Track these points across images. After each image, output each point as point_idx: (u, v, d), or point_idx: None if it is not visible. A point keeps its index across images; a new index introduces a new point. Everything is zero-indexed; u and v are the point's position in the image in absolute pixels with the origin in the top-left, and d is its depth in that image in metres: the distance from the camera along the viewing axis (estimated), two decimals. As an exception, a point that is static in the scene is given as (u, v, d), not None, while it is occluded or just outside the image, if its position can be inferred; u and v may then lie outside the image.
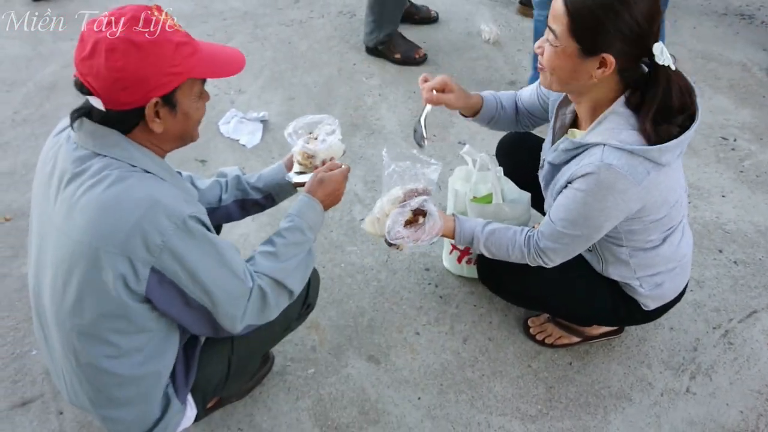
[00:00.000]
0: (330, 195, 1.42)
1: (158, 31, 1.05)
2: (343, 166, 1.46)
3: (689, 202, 2.16)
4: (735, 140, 2.44)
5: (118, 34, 1.02)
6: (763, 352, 1.77)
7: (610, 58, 1.18)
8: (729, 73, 2.76)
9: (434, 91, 1.56)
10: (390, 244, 1.48)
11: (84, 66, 1.03)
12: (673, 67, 1.21)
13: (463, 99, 1.58)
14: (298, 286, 1.29)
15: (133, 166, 1.10)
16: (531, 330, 1.81)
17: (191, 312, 1.14)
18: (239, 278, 1.16)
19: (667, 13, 3.12)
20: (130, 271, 1.05)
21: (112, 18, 1.05)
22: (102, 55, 1.01)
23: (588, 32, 1.17)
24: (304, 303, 1.48)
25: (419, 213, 1.46)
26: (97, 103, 1.06)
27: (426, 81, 1.59)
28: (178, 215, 1.06)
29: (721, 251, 2.04)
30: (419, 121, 1.61)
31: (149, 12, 1.07)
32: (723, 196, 2.22)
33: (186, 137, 1.20)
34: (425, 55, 2.89)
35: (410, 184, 1.50)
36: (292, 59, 2.96)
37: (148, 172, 1.11)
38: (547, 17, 1.27)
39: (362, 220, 2.18)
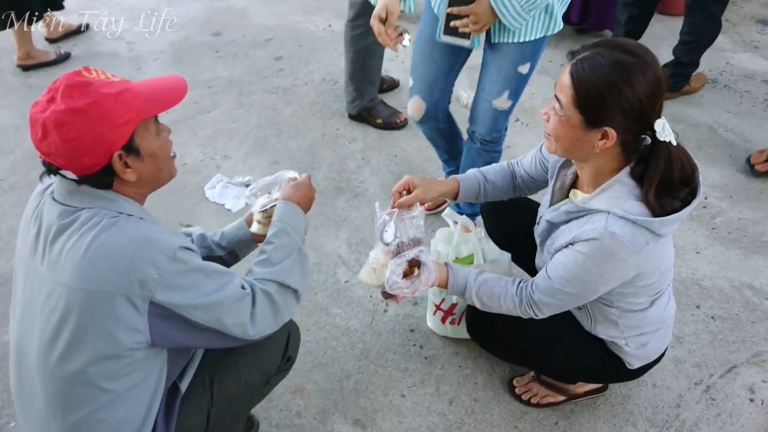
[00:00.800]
0: (304, 197, 1.49)
1: (94, 91, 1.09)
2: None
3: (665, 259, 2.22)
4: (706, 198, 2.53)
5: (60, 107, 1.06)
6: (744, 407, 1.79)
7: (612, 132, 1.23)
8: (697, 134, 2.88)
9: (402, 194, 1.58)
10: (388, 296, 1.50)
11: (43, 147, 1.09)
12: (674, 143, 1.26)
13: (433, 189, 1.60)
14: (300, 284, 1.34)
15: (119, 212, 1.16)
16: (516, 390, 1.82)
17: (201, 333, 1.18)
18: (236, 289, 1.20)
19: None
20: (130, 308, 1.09)
21: (51, 93, 1.10)
22: (53, 132, 1.06)
23: (591, 106, 1.23)
24: (284, 356, 1.49)
25: (414, 264, 1.49)
26: (69, 174, 1.12)
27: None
28: (169, 248, 1.12)
29: (698, 307, 2.08)
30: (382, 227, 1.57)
31: (80, 76, 1.11)
32: (697, 253, 2.29)
33: (162, 175, 1.25)
34: (406, 119, 2.99)
35: (402, 235, 1.54)
36: (277, 125, 3.04)
37: (132, 216, 1.17)
38: None
39: (347, 282, 2.21)
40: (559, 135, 1.31)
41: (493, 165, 1.72)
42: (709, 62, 3.36)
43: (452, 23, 1.74)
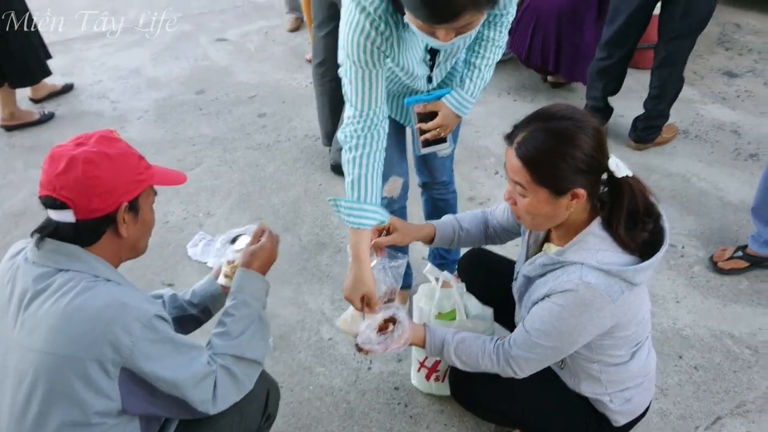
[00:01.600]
0: (264, 261, 1.50)
1: (124, 146, 1.24)
2: (270, 234, 1.55)
3: (646, 310, 2.24)
4: (683, 247, 2.57)
5: (93, 149, 1.18)
6: (731, 459, 1.78)
7: (580, 190, 1.28)
8: (671, 183, 2.95)
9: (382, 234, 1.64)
10: (360, 348, 1.51)
11: (59, 180, 1.15)
12: (630, 174, 1.32)
13: (411, 234, 1.67)
14: (259, 355, 1.37)
15: (96, 276, 1.19)
16: (502, 448, 1.80)
17: (167, 403, 1.19)
18: (202, 368, 1.22)
19: (610, 127, 3.38)
20: (101, 374, 1.10)
21: (81, 140, 1.22)
22: (79, 167, 1.15)
23: (552, 178, 1.28)
24: (264, 414, 1.48)
25: (390, 320, 1.50)
26: (66, 216, 1.17)
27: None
28: (144, 315, 1.15)
29: (681, 357, 2.09)
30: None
31: (112, 134, 1.26)
32: (677, 302, 2.31)
33: (141, 245, 1.33)
34: None
35: (382, 283, 1.56)
36: (260, 181, 3.07)
37: (110, 281, 1.20)
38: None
39: (330, 339, 2.20)
40: (534, 213, 1.35)
41: (468, 213, 1.77)
42: (679, 113, 3.47)
43: (424, 137, 1.79)
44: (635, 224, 1.32)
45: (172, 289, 2.39)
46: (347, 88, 1.54)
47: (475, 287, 1.88)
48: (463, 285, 1.90)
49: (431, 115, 1.76)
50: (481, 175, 3.06)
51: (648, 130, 3.14)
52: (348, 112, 1.56)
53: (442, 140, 1.85)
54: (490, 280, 1.81)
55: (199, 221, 2.80)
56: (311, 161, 3.21)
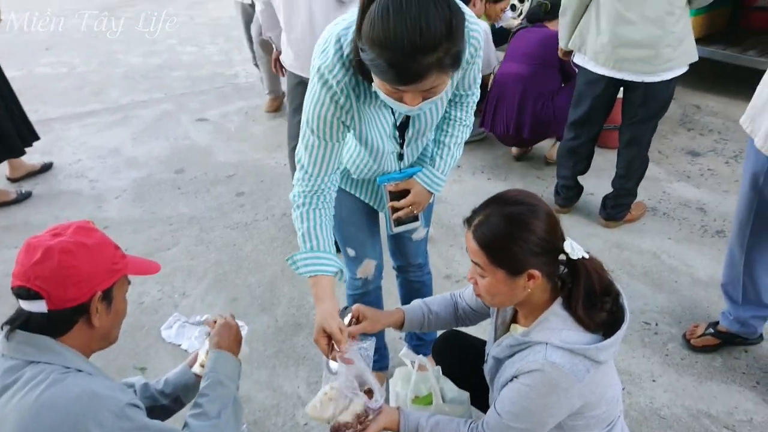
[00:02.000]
0: (232, 339, 1.51)
1: (100, 236, 1.27)
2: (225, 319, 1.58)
3: (623, 389, 2.25)
4: (657, 324, 2.60)
5: (70, 239, 1.20)
6: None
7: (535, 272, 1.34)
8: (642, 260, 3.02)
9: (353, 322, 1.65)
10: None
11: (35, 270, 1.16)
12: (586, 256, 1.36)
13: (381, 322, 1.68)
14: None
15: (67, 367, 1.17)
16: None
17: None
18: None
19: (581, 205, 3.47)
20: None
21: (58, 230, 1.23)
22: (56, 257, 1.16)
23: (507, 260, 1.34)
24: None
25: (368, 391, 1.50)
26: (39, 306, 1.16)
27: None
28: (117, 405, 1.13)
29: (659, 438, 2.08)
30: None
31: (89, 224, 1.29)
32: (653, 381, 2.32)
33: (112, 336, 1.33)
34: None
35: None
36: (237, 261, 3.07)
37: (81, 371, 1.19)
38: None
39: (306, 425, 2.15)
40: (493, 293, 1.40)
41: (437, 296, 1.79)
42: (647, 191, 3.59)
43: (397, 215, 1.84)
44: (593, 304, 1.36)
45: (145, 373, 2.37)
46: (302, 153, 1.57)
47: (450, 370, 1.87)
48: (438, 368, 1.89)
49: (403, 194, 1.81)
50: (457, 253, 3.10)
51: (617, 208, 3.23)
52: (298, 174, 1.59)
53: (415, 218, 1.89)
54: (465, 363, 1.81)
55: (174, 302, 2.78)
56: (288, 240, 3.23)
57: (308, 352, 2.48)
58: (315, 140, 1.54)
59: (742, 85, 5.04)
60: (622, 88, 3.01)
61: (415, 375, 1.85)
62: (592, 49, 2.85)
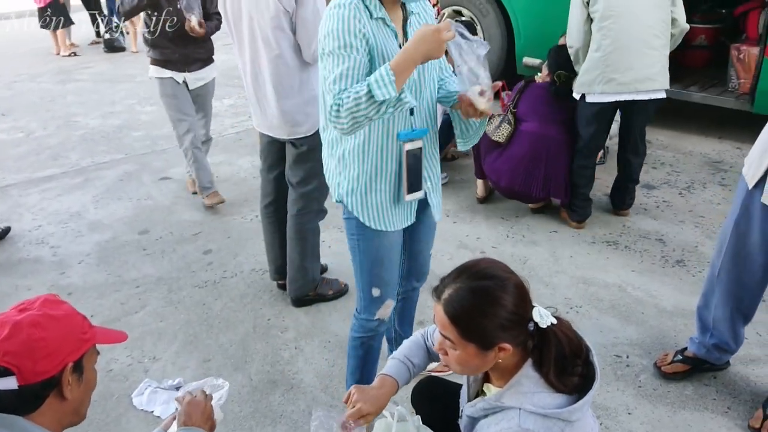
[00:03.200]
0: (201, 417, 1.50)
1: (68, 308, 1.28)
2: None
3: (601, 424, 2.27)
4: (628, 357, 2.65)
5: (38, 313, 1.21)
6: None
7: (506, 345, 1.36)
8: (608, 294, 3.09)
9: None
10: None
11: (3, 346, 1.15)
12: (555, 322, 1.39)
13: (381, 402, 1.65)
14: None
15: None
16: None
17: None
18: None
19: (546, 243, 3.55)
20: None
21: (24, 305, 1.23)
22: (25, 330, 1.16)
23: (477, 335, 1.36)
24: None
25: None
26: (9, 383, 1.14)
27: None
28: None
29: (640, 472, 2.10)
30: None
31: (55, 297, 1.29)
32: (629, 414, 2.35)
33: (82, 410, 1.32)
34: (346, 285, 3.19)
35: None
36: (207, 320, 3.03)
37: None
38: None
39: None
40: (463, 365, 1.42)
41: (411, 345, 1.78)
42: (609, 226, 3.70)
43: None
44: (564, 369, 1.38)
45: (116, 445, 2.28)
46: (331, 80, 1.68)
47: (429, 419, 1.87)
48: (418, 417, 1.88)
49: (416, 164, 1.92)
50: (428, 298, 3.11)
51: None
52: (333, 98, 1.67)
53: (419, 188, 1.99)
54: (444, 412, 1.81)
55: (144, 367, 2.71)
56: (259, 296, 3.21)
57: (284, 410, 2.44)
58: (339, 57, 1.68)
59: (688, 119, 5.30)
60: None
61: (396, 426, 1.83)
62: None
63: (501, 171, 3.76)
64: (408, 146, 1.89)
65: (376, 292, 2.06)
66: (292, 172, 2.85)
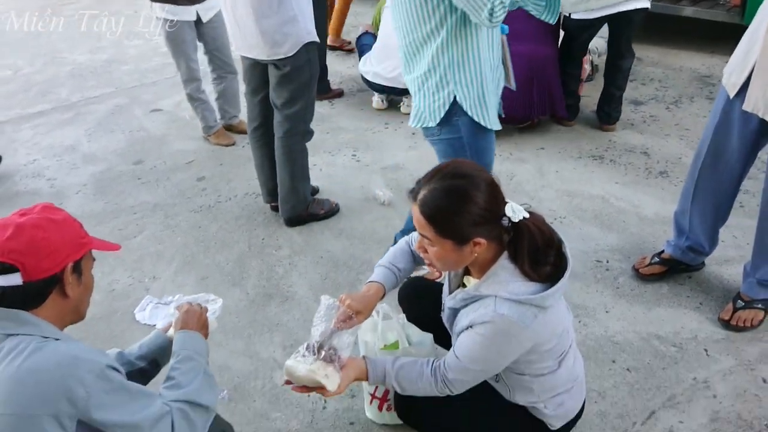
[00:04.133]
0: (197, 322, 1.59)
1: (66, 214, 1.35)
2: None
3: (579, 321, 2.40)
4: (608, 261, 2.76)
5: (39, 215, 1.29)
6: (667, 449, 1.91)
7: (480, 239, 1.44)
8: (592, 205, 3.18)
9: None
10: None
11: (8, 244, 1.22)
12: (527, 216, 1.47)
13: (370, 306, 1.70)
14: (211, 401, 1.43)
15: (45, 337, 1.24)
16: (457, 465, 1.88)
17: None
18: (158, 408, 1.28)
19: (533, 160, 3.62)
20: (58, 429, 1.14)
21: (24, 211, 1.31)
22: (28, 231, 1.24)
23: (452, 231, 1.44)
24: None
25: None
26: (14, 279, 1.22)
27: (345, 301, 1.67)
28: (97, 366, 1.21)
29: (614, 361, 2.24)
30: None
31: (53, 205, 1.37)
32: (607, 312, 2.48)
33: (82, 308, 1.39)
34: (337, 204, 3.29)
35: (333, 337, 1.62)
36: (204, 242, 3.13)
37: (59, 339, 1.25)
38: None
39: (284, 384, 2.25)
40: (442, 261, 1.51)
41: (396, 252, 1.85)
42: (594, 141, 3.76)
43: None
44: (538, 260, 1.47)
45: (122, 355, 2.42)
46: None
47: (413, 316, 1.99)
48: (403, 316, 2.01)
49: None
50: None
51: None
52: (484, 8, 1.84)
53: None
54: (427, 309, 1.92)
55: (145, 286, 2.83)
56: (253, 218, 3.30)
57: (281, 319, 2.57)
58: None
59: (678, 35, 5.25)
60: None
61: (382, 324, 1.96)
62: None
63: (528, 102, 3.75)
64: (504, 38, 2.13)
65: None
66: (276, 94, 2.87)
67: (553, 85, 3.74)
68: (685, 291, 2.56)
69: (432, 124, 2.15)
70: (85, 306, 1.41)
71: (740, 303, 2.36)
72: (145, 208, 3.47)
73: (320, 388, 1.54)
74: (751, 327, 2.33)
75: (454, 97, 2.08)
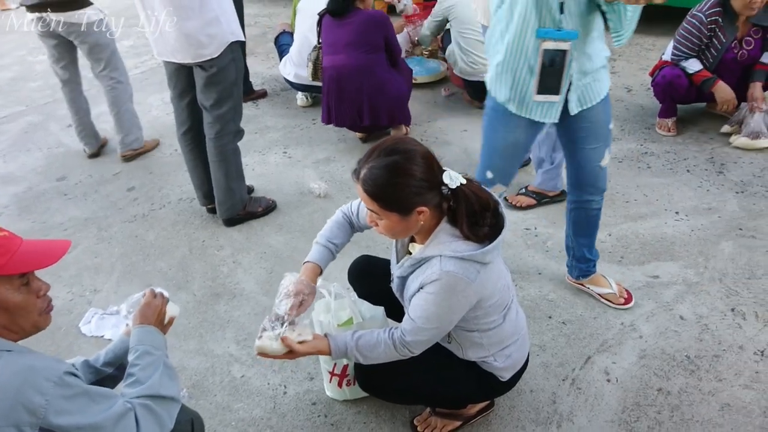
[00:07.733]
0: (154, 315, 1.58)
1: None
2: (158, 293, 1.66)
3: (516, 284, 2.57)
4: (536, 228, 2.96)
5: None
6: (605, 388, 2.10)
7: (423, 207, 1.55)
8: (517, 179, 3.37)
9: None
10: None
11: None
12: (464, 182, 1.59)
13: (311, 285, 1.81)
14: (174, 391, 1.43)
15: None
16: (418, 428, 2.00)
17: None
18: (120, 407, 1.28)
19: (458, 142, 3.77)
20: None
21: None
22: None
23: (396, 203, 1.54)
24: None
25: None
26: None
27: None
28: (54, 374, 1.20)
29: (550, 317, 2.42)
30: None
31: None
32: (539, 273, 2.67)
33: (23, 327, 1.30)
34: (274, 201, 3.34)
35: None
36: (143, 250, 3.10)
37: (11, 351, 1.23)
38: None
39: (243, 376, 2.29)
40: (392, 231, 1.62)
41: (332, 226, 1.94)
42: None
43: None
44: (476, 221, 1.59)
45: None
46: None
47: (364, 293, 2.09)
48: (353, 293, 2.10)
49: (555, 71, 1.90)
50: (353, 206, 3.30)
51: None
52: None
53: (556, 91, 1.94)
54: (376, 284, 2.03)
55: (87, 299, 2.79)
56: (190, 222, 3.29)
57: (231, 315, 2.61)
58: None
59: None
60: None
61: (334, 303, 2.04)
62: None
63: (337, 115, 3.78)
64: (547, 45, 1.87)
65: (489, 174, 2.24)
66: (204, 96, 2.88)
67: (380, 96, 3.63)
68: (608, 247, 2.79)
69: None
70: (19, 324, 1.29)
71: None
72: (76, 223, 3.40)
73: (289, 353, 1.68)
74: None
75: None
